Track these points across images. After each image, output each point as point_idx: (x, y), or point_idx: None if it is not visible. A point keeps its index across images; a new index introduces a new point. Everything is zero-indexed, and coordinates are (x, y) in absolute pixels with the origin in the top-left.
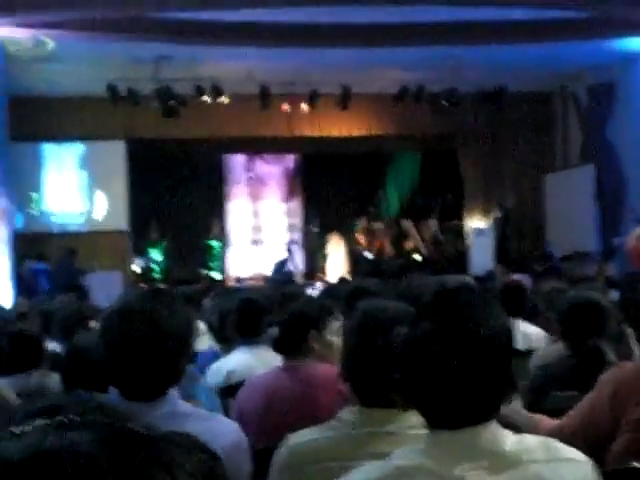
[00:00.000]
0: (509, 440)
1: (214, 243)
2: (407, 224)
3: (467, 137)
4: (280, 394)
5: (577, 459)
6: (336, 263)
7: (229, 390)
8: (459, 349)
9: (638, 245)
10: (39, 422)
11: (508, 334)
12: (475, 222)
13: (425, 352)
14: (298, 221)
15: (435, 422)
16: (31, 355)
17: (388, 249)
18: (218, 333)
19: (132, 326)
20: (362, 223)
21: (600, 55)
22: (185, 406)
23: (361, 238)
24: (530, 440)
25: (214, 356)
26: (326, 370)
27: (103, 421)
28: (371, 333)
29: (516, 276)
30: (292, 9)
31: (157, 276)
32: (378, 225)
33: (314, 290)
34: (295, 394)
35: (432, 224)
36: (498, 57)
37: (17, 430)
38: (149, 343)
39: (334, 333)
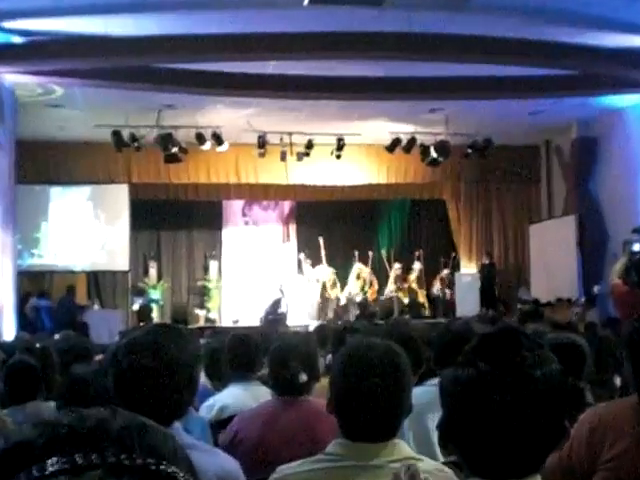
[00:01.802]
0: None
1: (211, 285)
2: (395, 268)
3: (455, 188)
4: (279, 425)
5: None
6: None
7: (221, 424)
8: (513, 393)
9: (626, 292)
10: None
11: (562, 379)
12: (462, 268)
13: (475, 395)
14: (292, 263)
15: (477, 470)
16: (29, 387)
17: (380, 291)
18: (210, 370)
19: (140, 358)
20: (355, 267)
21: (585, 110)
22: (189, 438)
23: (353, 281)
24: None
25: (205, 392)
26: (323, 405)
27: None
28: (356, 368)
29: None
30: (290, 63)
31: (155, 316)
32: (367, 269)
33: (308, 329)
34: (294, 425)
35: (417, 267)
36: (485, 111)
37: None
38: (156, 375)
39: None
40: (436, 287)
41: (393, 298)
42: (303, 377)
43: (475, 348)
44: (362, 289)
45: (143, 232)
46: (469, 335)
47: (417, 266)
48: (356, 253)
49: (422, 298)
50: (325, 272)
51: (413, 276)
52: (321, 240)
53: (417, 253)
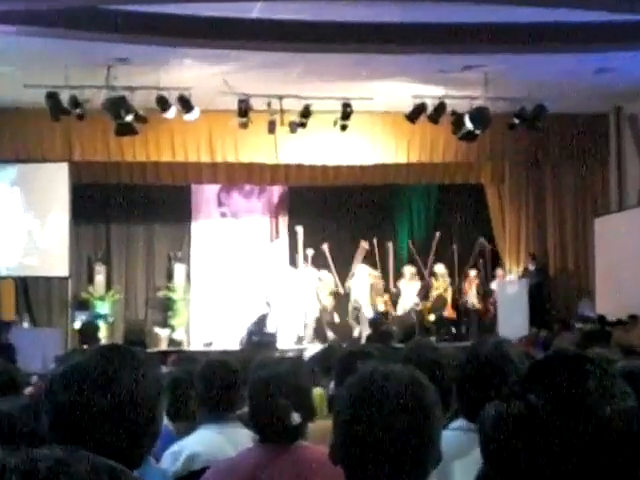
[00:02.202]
0: None
1: (176, 296)
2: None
3: (497, 169)
4: (266, 478)
5: None
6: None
7: (190, 478)
8: (574, 436)
9: None
10: None
11: (637, 418)
12: (506, 273)
13: (525, 439)
14: (283, 267)
15: None
16: None
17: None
18: (174, 407)
19: (84, 392)
20: (359, 270)
21: None
22: None
23: (359, 288)
24: None
25: (168, 437)
26: (323, 453)
27: None
28: (370, 404)
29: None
30: (281, 3)
31: (103, 336)
32: (375, 273)
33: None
34: (285, 479)
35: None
36: (536, 69)
37: None
38: (105, 415)
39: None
40: (470, 299)
41: (413, 312)
42: (295, 418)
43: (525, 378)
44: (372, 300)
45: (88, 227)
46: (502, 363)
47: (443, 270)
48: (368, 255)
49: (452, 312)
50: (328, 281)
51: (441, 284)
52: (325, 247)
53: (450, 251)
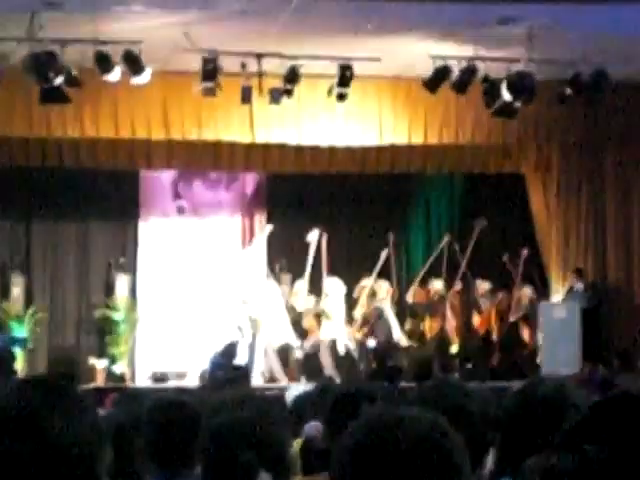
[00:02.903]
0: None
1: (117, 316)
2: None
3: (543, 154)
4: None
5: None
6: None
7: None
8: None
9: None
10: None
11: None
12: (552, 293)
13: None
14: (258, 279)
15: None
16: None
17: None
18: (116, 462)
19: (5, 439)
20: (364, 285)
21: None
22: None
23: (363, 312)
24: None
25: None
26: None
27: None
28: (379, 458)
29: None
30: None
31: (21, 367)
32: (386, 288)
33: (288, 397)
34: None
35: (525, 293)
36: (594, 23)
37: None
38: (28, 467)
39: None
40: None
41: (430, 341)
42: (264, 479)
43: (580, 425)
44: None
45: (1, 224)
46: (563, 406)
47: (525, 291)
48: (369, 261)
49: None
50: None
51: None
52: (323, 239)
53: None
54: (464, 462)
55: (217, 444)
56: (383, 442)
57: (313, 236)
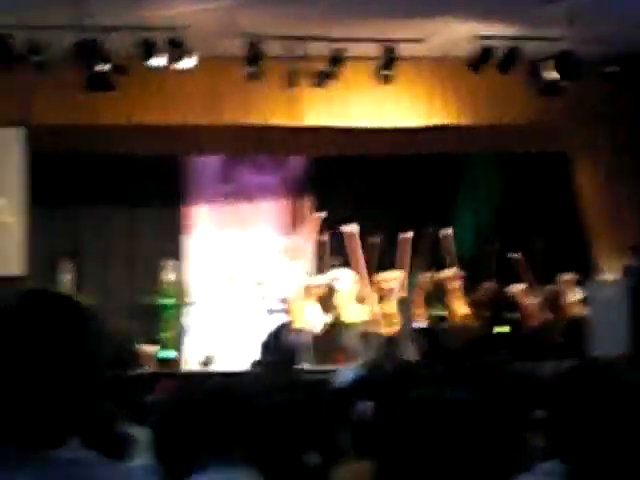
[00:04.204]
0: None
1: (166, 302)
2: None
3: (589, 134)
4: None
5: None
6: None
7: None
8: None
9: None
10: None
11: None
12: (598, 273)
13: None
14: (308, 264)
15: None
16: None
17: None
18: (166, 454)
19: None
20: (424, 274)
21: None
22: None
23: (419, 296)
24: None
25: None
26: None
27: None
28: (433, 449)
29: None
30: None
31: None
32: (446, 274)
33: (337, 379)
34: None
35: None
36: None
37: None
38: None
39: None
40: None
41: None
42: (312, 458)
43: None
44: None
45: (49, 211)
46: (616, 388)
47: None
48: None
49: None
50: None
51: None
52: (356, 231)
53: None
54: (510, 445)
55: (267, 428)
56: (429, 425)
57: (348, 228)
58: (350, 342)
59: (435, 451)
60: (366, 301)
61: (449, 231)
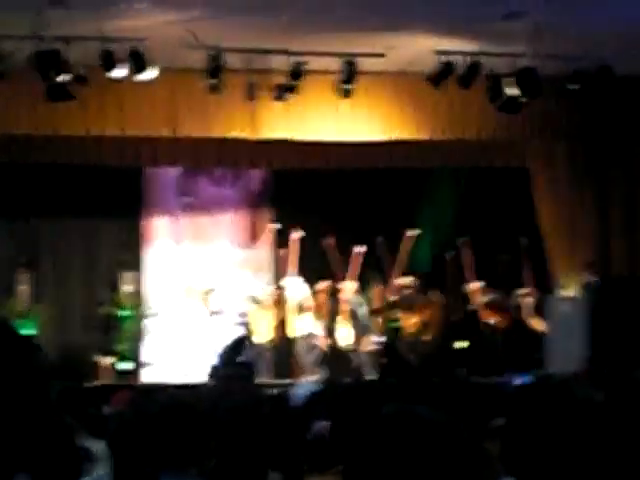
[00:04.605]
0: None
1: (125, 313)
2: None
3: (549, 150)
4: None
5: None
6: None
7: None
8: None
9: None
10: None
11: None
12: (556, 289)
13: None
14: (266, 276)
15: None
16: None
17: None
18: (121, 462)
19: None
20: (378, 282)
21: None
22: None
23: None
24: None
25: None
26: None
27: None
28: (394, 458)
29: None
30: None
31: None
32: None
33: (295, 392)
34: None
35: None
36: (599, 15)
37: None
38: None
39: None
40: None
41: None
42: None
43: None
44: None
45: (7, 222)
46: (569, 405)
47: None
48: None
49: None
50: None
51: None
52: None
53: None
54: (477, 464)
55: (227, 443)
56: (400, 442)
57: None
58: (304, 355)
59: (407, 468)
60: (317, 311)
61: (411, 237)
